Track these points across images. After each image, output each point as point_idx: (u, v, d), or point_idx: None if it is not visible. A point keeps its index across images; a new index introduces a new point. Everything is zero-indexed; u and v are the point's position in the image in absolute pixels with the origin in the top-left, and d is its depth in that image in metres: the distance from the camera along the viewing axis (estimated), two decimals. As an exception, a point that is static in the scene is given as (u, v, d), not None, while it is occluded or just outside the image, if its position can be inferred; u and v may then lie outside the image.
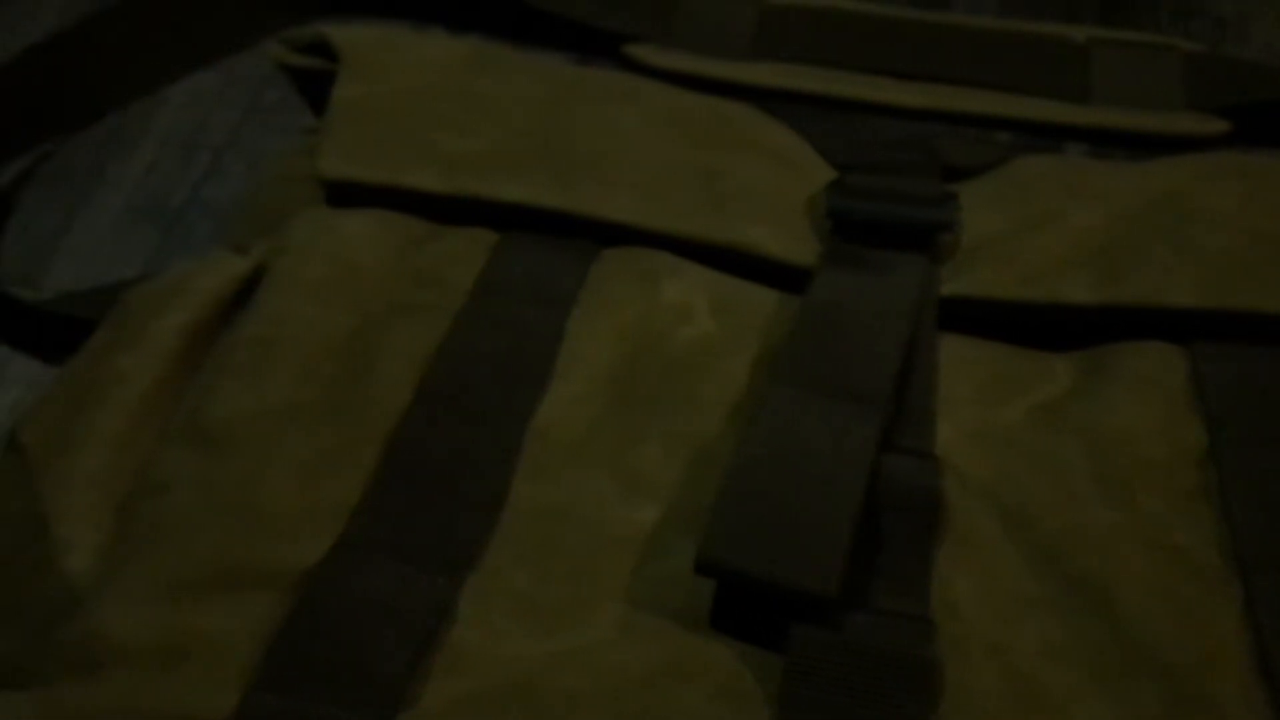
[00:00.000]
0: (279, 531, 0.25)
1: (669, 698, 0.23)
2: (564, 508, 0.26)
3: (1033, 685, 0.24)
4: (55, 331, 0.44)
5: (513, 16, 0.45)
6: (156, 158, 0.54)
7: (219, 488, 0.26)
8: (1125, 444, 0.27)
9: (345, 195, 0.33)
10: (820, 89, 0.39)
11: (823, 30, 0.42)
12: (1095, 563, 0.25)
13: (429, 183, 0.32)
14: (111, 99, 0.51)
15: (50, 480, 0.27)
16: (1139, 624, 0.25)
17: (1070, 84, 0.39)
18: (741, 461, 0.25)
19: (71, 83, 0.50)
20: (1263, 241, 0.31)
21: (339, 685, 0.23)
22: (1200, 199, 0.32)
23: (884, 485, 0.26)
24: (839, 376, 0.27)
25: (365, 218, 0.32)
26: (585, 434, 0.28)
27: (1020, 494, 0.27)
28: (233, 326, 0.31)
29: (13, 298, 0.43)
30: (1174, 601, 0.25)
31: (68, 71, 0.49)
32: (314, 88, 0.39)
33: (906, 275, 0.30)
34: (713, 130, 0.35)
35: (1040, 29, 0.41)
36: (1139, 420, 0.28)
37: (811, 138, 0.35)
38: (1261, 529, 0.26)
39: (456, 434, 0.27)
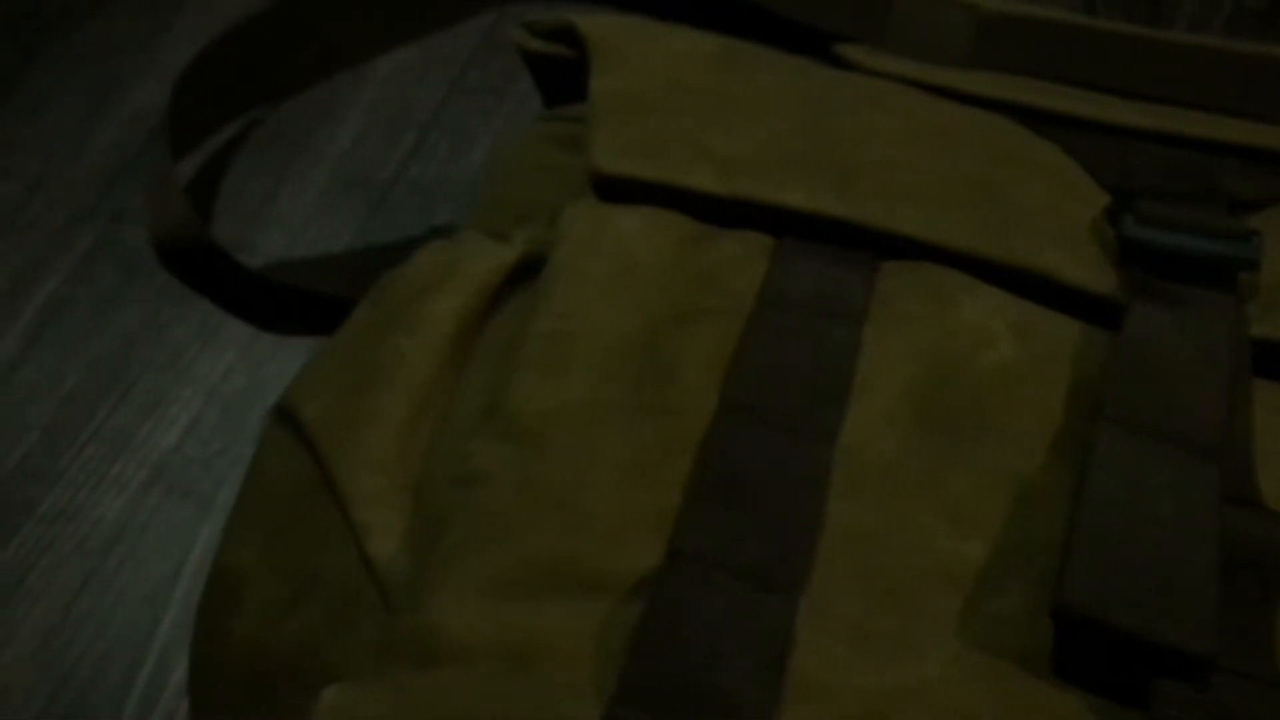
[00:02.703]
0: (605, 535, 0.25)
1: None
2: (884, 533, 0.25)
3: None
4: (267, 298, 0.45)
5: (720, 10, 0.45)
6: (362, 131, 0.55)
7: (540, 484, 0.26)
8: None
9: (614, 189, 0.32)
10: (1048, 104, 0.38)
11: (1043, 42, 0.41)
12: None
13: (706, 183, 0.32)
14: (319, 70, 0.52)
15: (340, 461, 0.27)
16: None
17: None
18: (1090, 506, 0.24)
19: (282, 53, 0.50)
20: None
21: (699, 707, 0.22)
22: None
23: (1226, 539, 0.25)
24: (1172, 422, 0.26)
25: (641, 215, 0.31)
26: (895, 457, 0.27)
27: None
28: (513, 316, 0.31)
29: (233, 263, 0.44)
30: None
31: (279, 42, 0.50)
32: (550, 75, 0.39)
33: (1219, 315, 0.28)
34: (980, 142, 0.33)
35: (1272, 51, 0.40)
36: None
37: (1075, 156, 0.34)
38: None
39: (767, 447, 0.26)
